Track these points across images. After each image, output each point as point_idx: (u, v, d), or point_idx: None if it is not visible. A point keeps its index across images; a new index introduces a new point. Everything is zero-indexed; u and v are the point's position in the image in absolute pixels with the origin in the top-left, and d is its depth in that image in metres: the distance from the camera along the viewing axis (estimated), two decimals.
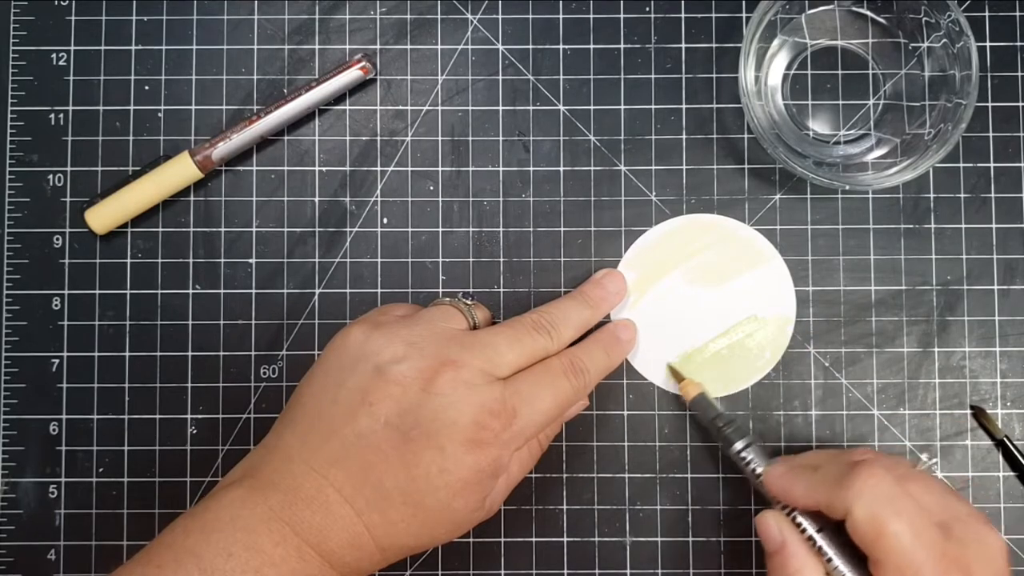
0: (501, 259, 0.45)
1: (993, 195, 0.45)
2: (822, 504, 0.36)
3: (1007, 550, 0.36)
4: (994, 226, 0.45)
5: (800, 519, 0.37)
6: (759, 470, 0.40)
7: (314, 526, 0.35)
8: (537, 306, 0.41)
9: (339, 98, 0.46)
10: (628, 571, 0.44)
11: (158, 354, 0.45)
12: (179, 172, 0.45)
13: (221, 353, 0.45)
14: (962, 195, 0.45)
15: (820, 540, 0.37)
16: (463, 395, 0.36)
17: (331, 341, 0.39)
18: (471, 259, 0.45)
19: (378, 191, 0.46)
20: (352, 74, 0.45)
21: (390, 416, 0.36)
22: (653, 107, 0.46)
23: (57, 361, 0.45)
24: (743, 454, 0.40)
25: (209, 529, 0.34)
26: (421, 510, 0.36)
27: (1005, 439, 0.44)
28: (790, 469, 0.38)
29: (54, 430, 0.45)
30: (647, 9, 0.46)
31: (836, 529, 0.36)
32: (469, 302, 0.42)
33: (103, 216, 0.45)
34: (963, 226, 0.45)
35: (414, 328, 0.38)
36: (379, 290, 0.45)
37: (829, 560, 0.36)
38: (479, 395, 0.36)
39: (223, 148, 0.45)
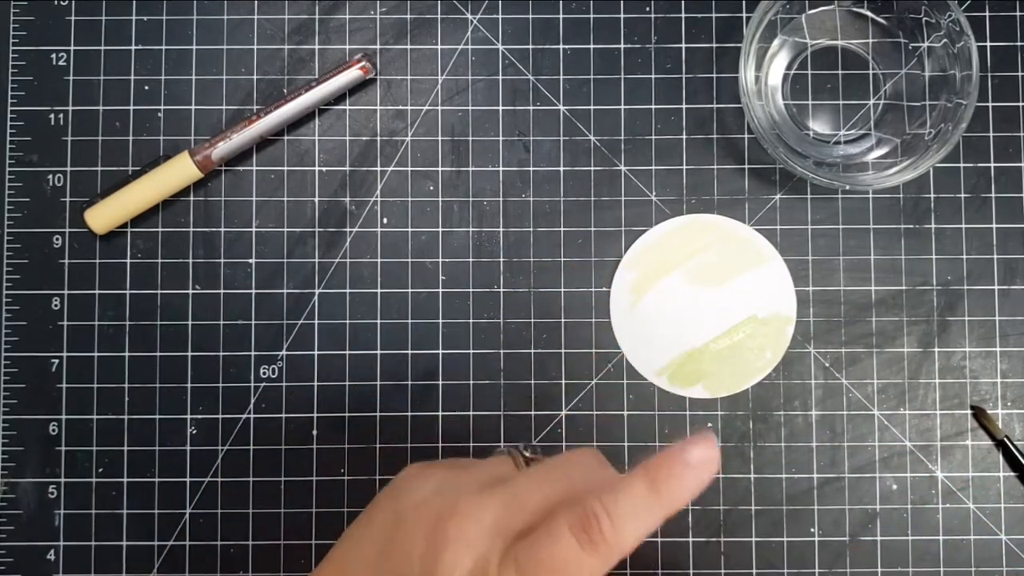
0: (501, 259, 0.45)
1: (993, 195, 0.45)
2: None
3: None
4: (994, 226, 0.45)
5: None
6: None
7: None
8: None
9: (339, 98, 0.46)
10: (628, 571, 0.44)
11: (158, 354, 0.45)
12: (179, 172, 0.45)
13: (221, 353, 0.45)
14: (962, 195, 0.45)
15: None
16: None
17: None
18: (471, 259, 0.45)
19: (378, 191, 0.46)
20: (352, 74, 0.45)
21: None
22: (653, 107, 0.46)
23: (57, 361, 0.45)
24: None
25: None
26: None
27: (1005, 439, 0.44)
28: None
29: (54, 430, 0.45)
30: (647, 9, 0.46)
31: None
32: (528, 455, 0.33)
33: (103, 216, 0.45)
34: (963, 226, 0.45)
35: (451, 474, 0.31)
36: (379, 290, 0.45)
37: None
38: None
39: (223, 148, 0.45)
